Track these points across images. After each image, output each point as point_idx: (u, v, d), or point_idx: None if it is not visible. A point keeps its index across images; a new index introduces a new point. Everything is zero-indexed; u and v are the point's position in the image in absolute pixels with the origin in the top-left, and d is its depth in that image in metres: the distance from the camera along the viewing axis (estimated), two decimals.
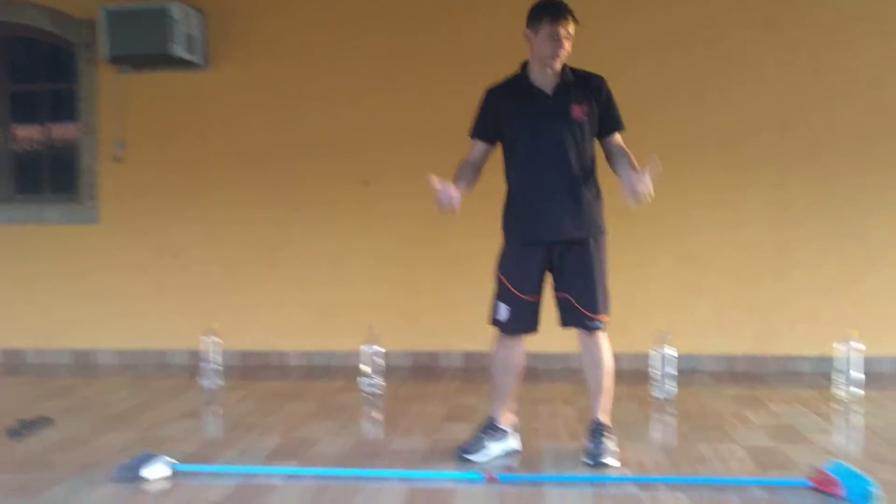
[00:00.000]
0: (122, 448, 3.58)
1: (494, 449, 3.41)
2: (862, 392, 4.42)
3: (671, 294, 5.18)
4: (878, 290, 5.04)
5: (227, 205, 5.47)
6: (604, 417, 3.42)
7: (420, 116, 5.28)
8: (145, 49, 5.09)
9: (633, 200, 3.21)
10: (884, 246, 5.04)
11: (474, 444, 3.37)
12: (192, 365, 5.35)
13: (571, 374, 4.80)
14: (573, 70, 3.35)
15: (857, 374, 4.40)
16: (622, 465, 3.30)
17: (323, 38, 5.37)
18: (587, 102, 3.31)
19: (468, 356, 5.30)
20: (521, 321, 3.39)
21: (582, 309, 3.33)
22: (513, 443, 3.50)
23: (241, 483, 3.13)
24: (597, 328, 3.36)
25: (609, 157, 3.42)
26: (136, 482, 3.13)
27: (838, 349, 4.48)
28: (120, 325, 5.58)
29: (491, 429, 3.43)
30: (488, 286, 4.96)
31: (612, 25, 5.14)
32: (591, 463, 3.28)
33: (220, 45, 5.41)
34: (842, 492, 2.87)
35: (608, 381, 3.42)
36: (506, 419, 3.49)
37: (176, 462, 3.28)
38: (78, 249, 5.60)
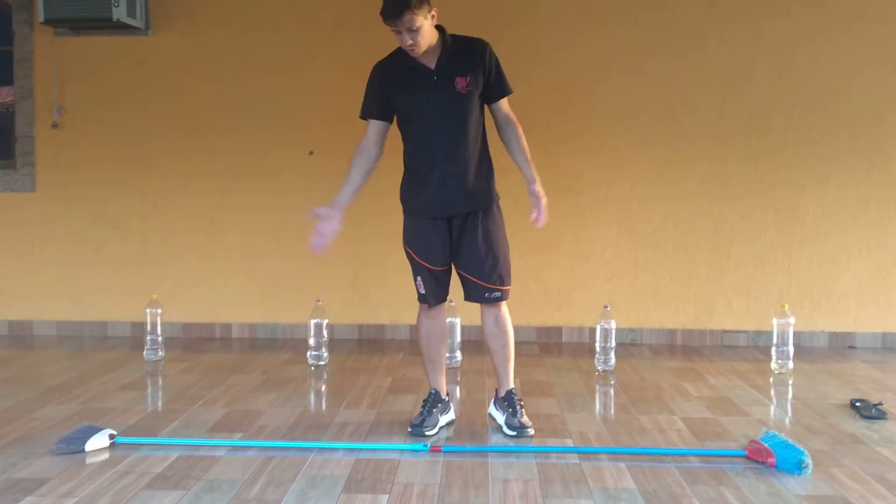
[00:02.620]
0: (61, 420, 3.52)
1: (442, 420, 3.45)
2: (793, 365, 4.55)
3: (612, 268, 5.26)
4: (811, 266, 5.20)
5: (167, 174, 5.37)
6: (514, 384, 3.49)
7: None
8: (84, 12, 4.96)
9: (537, 220, 3.21)
10: (817, 222, 5.18)
11: (428, 419, 3.39)
12: (134, 337, 5.29)
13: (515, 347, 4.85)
14: (455, 38, 3.27)
15: (790, 348, 4.54)
16: (566, 436, 3.37)
17: (269, 4, 5.27)
18: (471, 72, 3.23)
19: (414, 329, 5.28)
20: (436, 291, 3.41)
21: (479, 281, 3.33)
22: (452, 413, 3.55)
23: (184, 455, 3.10)
24: (497, 299, 3.36)
25: (499, 129, 3.33)
26: (76, 454, 3.09)
27: (773, 324, 4.60)
28: (58, 295, 5.46)
29: (438, 401, 3.46)
30: None
31: None
32: (515, 434, 3.32)
33: (162, 9, 5.28)
34: (775, 461, 2.97)
35: (513, 347, 3.47)
36: (444, 389, 3.52)
37: (117, 434, 3.24)
38: (13, 218, 5.45)
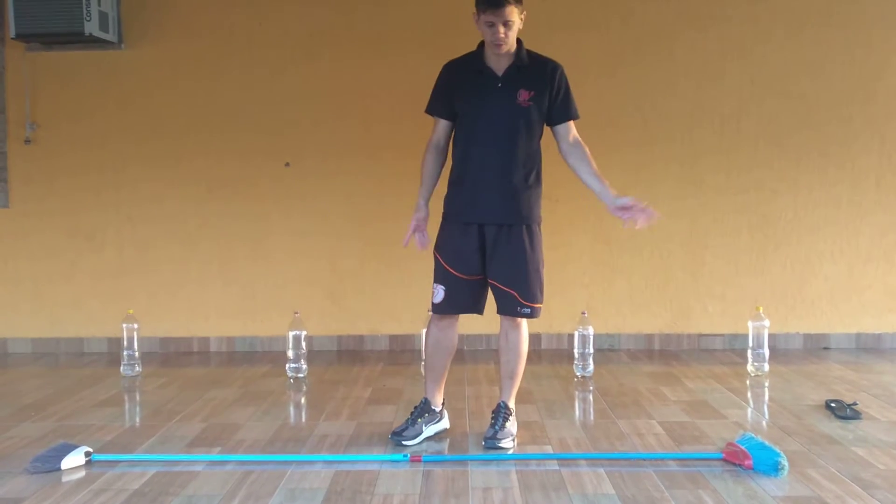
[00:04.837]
0: (36, 438, 3.49)
1: (428, 430, 3.43)
2: (768, 367, 4.60)
3: (589, 274, 5.29)
4: (785, 268, 5.25)
5: (142, 186, 5.34)
6: (510, 402, 3.47)
7: (342, 94, 5.24)
8: (56, 27, 4.92)
9: (637, 223, 3.23)
10: (790, 225, 5.24)
11: (410, 429, 3.38)
12: (111, 352, 5.24)
13: (496, 355, 4.85)
14: (530, 54, 3.34)
15: (766, 351, 4.58)
16: (546, 443, 3.38)
17: (241, 13, 5.26)
18: (537, 88, 3.28)
19: (393, 339, 5.32)
20: (456, 301, 3.38)
21: (514, 294, 3.32)
22: (445, 422, 3.54)
23: (162, 471, 3.08)
24: (527, 315, 3.36)
25: (564, 151, 3.38)
26: (52, 473, 3.06)
27: (748, 327, 4.65)
28: (33, 312, 5.40)
29: (426, 411, 3.45)
30: (412, 268, 5.00)
31: (528, 2, 5.17)
32: (488, 446, 3.31)
33: (135, 21, 5.26)
34: (752, 463, 2.99)
35: (522, 366, 3.47)
36: (438, 400, 3.51)
37: (93, 451, 3.21)
38: None
